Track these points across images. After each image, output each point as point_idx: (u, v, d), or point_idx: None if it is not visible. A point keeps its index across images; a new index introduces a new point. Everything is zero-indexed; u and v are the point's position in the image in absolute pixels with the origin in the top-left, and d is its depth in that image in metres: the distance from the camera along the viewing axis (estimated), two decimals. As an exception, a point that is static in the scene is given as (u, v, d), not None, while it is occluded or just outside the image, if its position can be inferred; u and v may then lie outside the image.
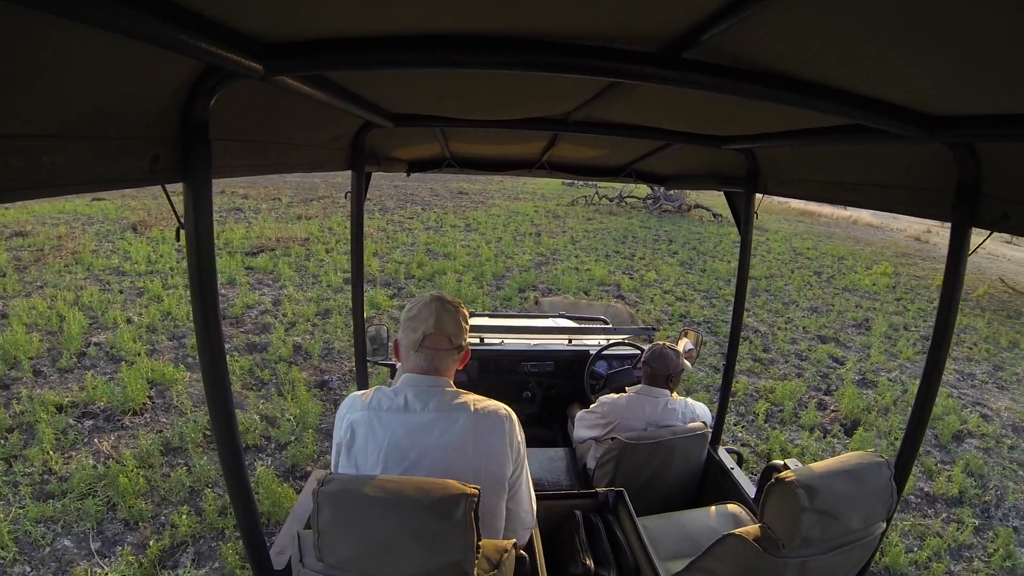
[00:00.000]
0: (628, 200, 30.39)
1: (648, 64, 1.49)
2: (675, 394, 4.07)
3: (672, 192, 28.75)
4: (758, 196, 3.83)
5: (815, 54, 1.45)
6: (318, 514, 1.84)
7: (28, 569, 4.87)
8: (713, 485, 4.23)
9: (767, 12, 1.14)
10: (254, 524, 2.34)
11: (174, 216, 1.83)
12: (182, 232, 1.86)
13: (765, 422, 8.19)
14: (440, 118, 3.00)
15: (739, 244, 4.14)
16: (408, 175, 4.93)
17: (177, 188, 1.77)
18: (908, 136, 1.91)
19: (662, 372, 3.98)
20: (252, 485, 5.65)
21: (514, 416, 2.34)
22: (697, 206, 29.30)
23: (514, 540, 2.15)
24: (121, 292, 12.06)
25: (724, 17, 1.20)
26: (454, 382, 2.35)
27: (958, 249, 2.37)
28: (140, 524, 5.38)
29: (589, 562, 2.86)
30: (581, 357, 5.52)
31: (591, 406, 4.17)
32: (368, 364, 4.54)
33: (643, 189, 30.31)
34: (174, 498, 5.76)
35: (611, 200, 30.38)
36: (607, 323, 7.13)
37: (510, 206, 27.46)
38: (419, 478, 1.96)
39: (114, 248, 15.43)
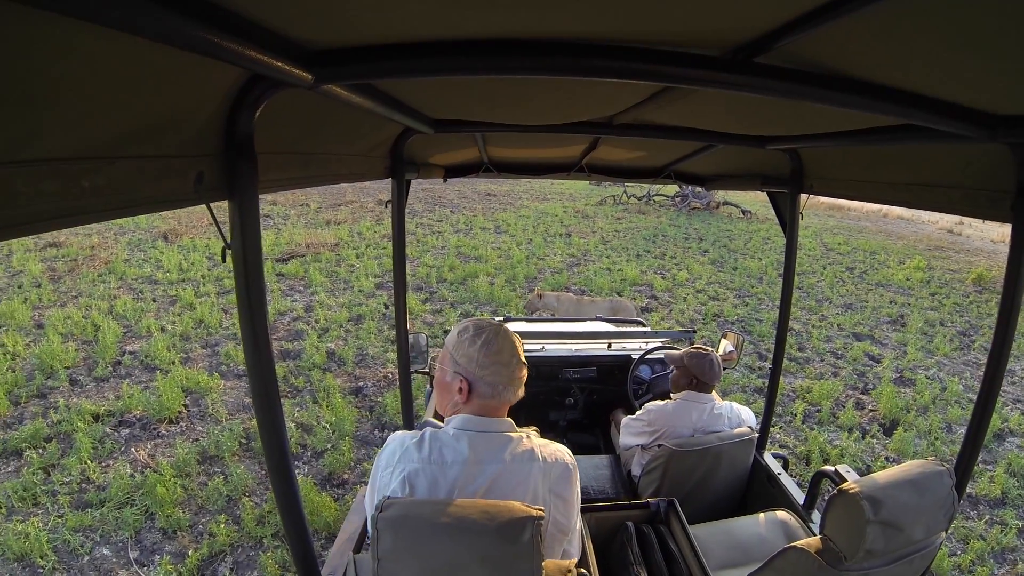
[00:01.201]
0: (656, 199, 30.33)
1: (717, 69, 1.44)
2: (717, 396, 4.02)
3: (700, 190, 28.56)
4: (803, 196, 3.75)
5: (891, 58, 1.40)
6: (378, 541, 1.79)
7: None
8: (759, 490, 4.14)
9: (853, 18, 1.09)
10: (308, 548, 2.29)
11: (220, 236, 1.73)
12: (228, 252, 1.76)
13: (803, 423, 8.09)
14: (481, 123, 2.94)
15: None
16: (445, 181, 4.89)
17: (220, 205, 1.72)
18: (968, 136, 1.84)
19: (709, 378, 3.91)
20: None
21: (575, 461, 2.25)
22: (726, 203, 29.24)
23: (575, 560, 2.10)
24: (154, 301, 12.16)
25: (807, 23, 1.15)
26: None
27: (1019, 250, 2.28)
28: (178, 533, 5.40)
29: (644, 574, 2.82)
30: (622, 362, 5.44)
31: (637, 413, 4.07)
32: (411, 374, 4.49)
33: (671, 187, 30.20)
34: (212, 507, 5.78)
35: (639, 199, 30.36)
36: (644, 325, 7.06)
37: (539, 207, 27.46)
38: (482, 501, 1.90)
39: (146, 257, 15.59)
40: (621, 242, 20.40)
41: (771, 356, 9.78)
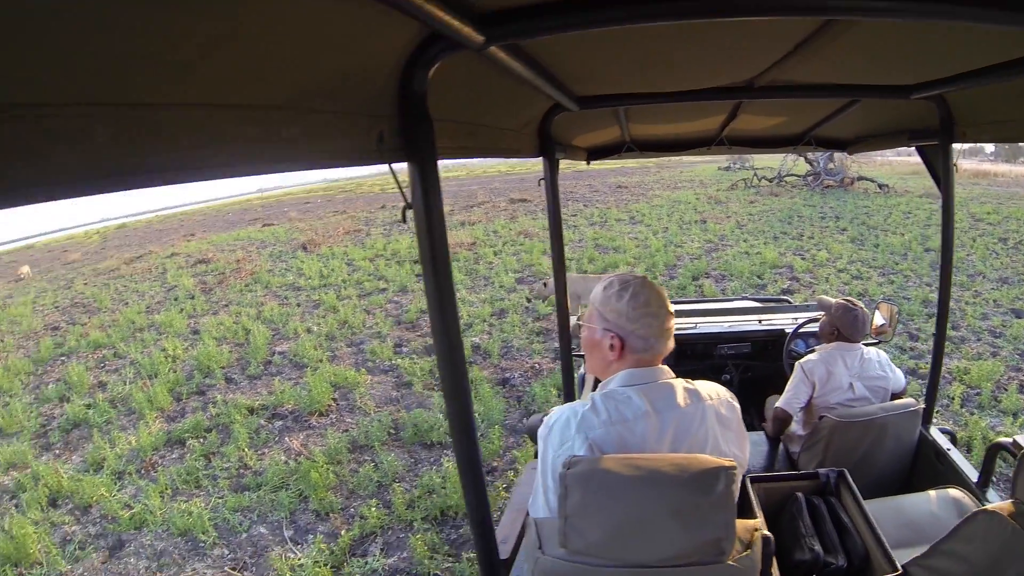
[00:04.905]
0: (787, 179, 29.63)
1: None
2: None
3: (832, 166, 28.00)
4: (956, 147, 3.53)
5: None
6: (567, 498, 1.76)
7: (227, 552, 5.23)
8: (926, 468, 3.86)
9: None
10: (486, 515, 2.28)
11: (401, 196, 1.75)
12: (408, 213, 1.78)
13: (961, 407, 7.43)
14: (624, 95, 2.92)
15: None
16: (588, 163, 4.85)
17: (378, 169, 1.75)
18: None
19: (851, 333, 3.81)
20: (440, 480, 5.74)
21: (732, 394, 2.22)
22: (860, 178, 28.15)
23: (761, 519, 2.04)
24: (299, 305, 12.75)
25: None
26: None
27: None
28: (330, 515, 5.58)
29: (817, 547, 2.70)
30: (775, 337, 5.24)
31: (791, 377, 3.96)
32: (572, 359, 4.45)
33: (802, 166, 29.63)
34: (362, 492, 5.94)
35: (770, 181, 29.72)
36: (789, 302, 6.86)
37: (671, 195, 27.19)
38: (671, 454, 1.87)
39: (288, 267, 16.38)
40: (756, 225, 19.91)
41: (922, 335, 9.40)
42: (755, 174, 30.34)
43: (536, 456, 2.05)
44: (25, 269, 24.73)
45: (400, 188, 1.72)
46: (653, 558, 1.76)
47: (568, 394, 4.33)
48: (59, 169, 0.68)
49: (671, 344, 2.07)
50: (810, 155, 28.22)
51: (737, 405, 2.18)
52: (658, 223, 20.75)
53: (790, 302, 6.93)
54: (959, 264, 13.92)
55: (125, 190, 0.80)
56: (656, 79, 2.64)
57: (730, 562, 1.76)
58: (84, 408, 8.56)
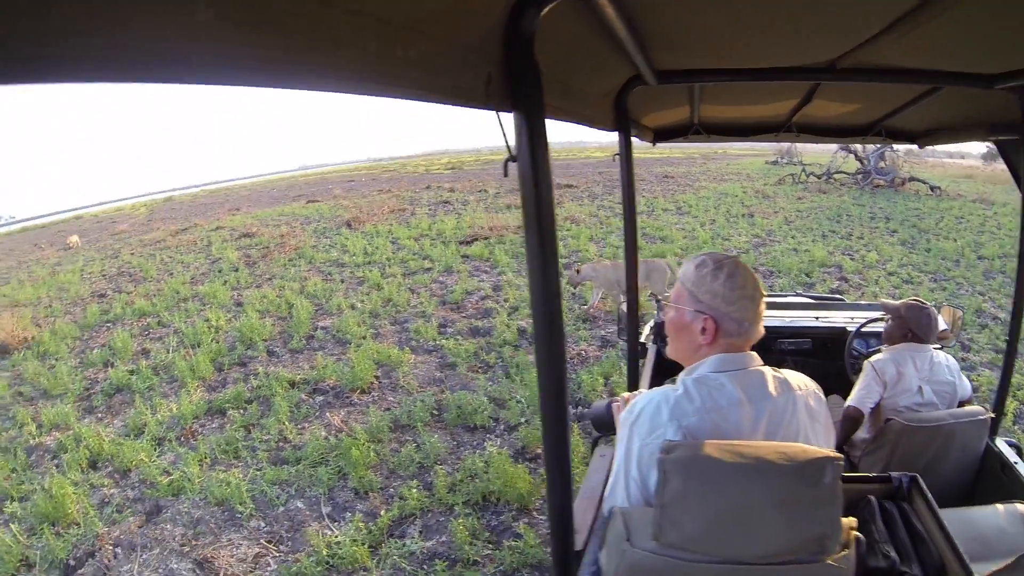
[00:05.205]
0: (836, 176, 29.25)
1: None
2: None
3: (883, 165, 27.53)
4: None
5: None
6: (664, 485, 1.65)
7: (263, 524, 5.18)
8: (991, 480, 3.68)
9: None
10: (568, 503, 2.16)
11: (505, 146, 1.60)
12: (510, 165, 1.63)
13: (1014, 423, 7.06)
14: (701, 72, 2.83)
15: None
16: (654, 144, 4.71)
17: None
18: None
19: (924, 332, 3.65)
20: (483, 464, 5.63)
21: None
22: (912, 179, 27.54)
23: (856, 520, 1.91)
24: (342, 282, 12.79)
25: None
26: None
27: None
28: (370, 494, 5.51)
29: (893, 554, 2.58)
30: (837, 334, 5.07)
31: (859, 379, 3.78)
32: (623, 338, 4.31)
33: (851, 164, 29.32)
34: (403, 472, 5.85)
35: (819, 177, 29.37)
36: (842, 299, 6.69)
37: (718, 188, 27.03)
38: (775, 442, 1.75)
39: (332, 243, 16.54)
40: (804, 222, 19.61)
41: (974, 346, 9.12)
42: (803, 170, 30.03)
43: (597, 444, 1.92)
44: (74, 239, 25.38)
45: (505, 138, 1.58)
46: (752, 554, 1.64)
47: (633, 380, 4.16)
48: (166, 49, 0.58)
49: (762, 329, 1.95)
50: (860, 153, 28.08)
51: (823, 397, 2.04)
52: (705, 215, 20.61)
53: (843, 300, 6.76)
54: (1010, 272, 13.48)
55: (234, 83, 0.69)
56: (738, 54, 2.54)
57: (829, 561, 1.64)
58: (127, 374, 8.67)
